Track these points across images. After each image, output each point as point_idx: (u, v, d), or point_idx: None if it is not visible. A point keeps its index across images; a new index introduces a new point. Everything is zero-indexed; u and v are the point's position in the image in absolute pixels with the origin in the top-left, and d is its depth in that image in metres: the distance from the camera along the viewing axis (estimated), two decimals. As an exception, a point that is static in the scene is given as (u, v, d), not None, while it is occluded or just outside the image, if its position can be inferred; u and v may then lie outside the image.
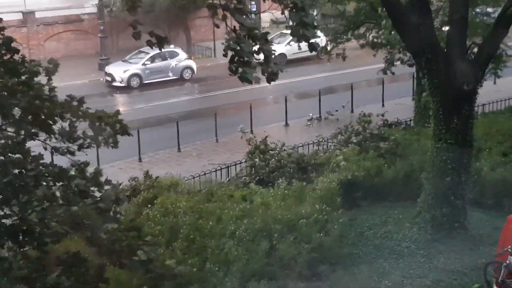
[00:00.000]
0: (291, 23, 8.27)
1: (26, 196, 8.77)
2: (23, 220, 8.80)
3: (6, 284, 9.15)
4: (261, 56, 8.08)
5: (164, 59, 37.11)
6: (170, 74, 36.85)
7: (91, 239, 9.08)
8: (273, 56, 8.00)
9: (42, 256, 9.24)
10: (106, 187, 9.66)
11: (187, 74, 37.39)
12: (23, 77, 9.10)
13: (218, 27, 8.64)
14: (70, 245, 11.10)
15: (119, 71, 36.08)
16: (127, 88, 35.58)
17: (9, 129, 9.25)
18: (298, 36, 8.06)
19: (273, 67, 7.94)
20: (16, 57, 9.27)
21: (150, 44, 8.73)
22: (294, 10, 7.84)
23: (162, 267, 10.75)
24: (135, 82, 35.95)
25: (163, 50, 38.42)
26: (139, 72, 36.14)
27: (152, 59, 36.79)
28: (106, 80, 36.42)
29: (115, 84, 35.85)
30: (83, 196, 9.08)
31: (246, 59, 7.82)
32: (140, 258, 9.30)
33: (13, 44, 9.27)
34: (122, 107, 30.48)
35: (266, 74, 7.96)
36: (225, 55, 8.04)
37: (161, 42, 8.59)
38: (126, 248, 9.24)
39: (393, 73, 24.35)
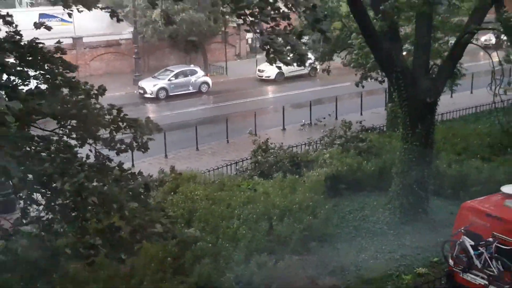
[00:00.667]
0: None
1: (74, 184, 8.79)
2: (72, 202, 8.85)
3: (59, 246, 9.22)
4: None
5: (186, 75, 37.08)
6: (190, 88, 36.83)
7: (121, 216, 9.11)
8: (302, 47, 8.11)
9: (86, 226, 9.27)
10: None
11: (204, 88, 37.33)
12: (80, 97, 9.13)
13: (234, 46, 8.66)
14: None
15: (150, 85, 36.10)
16: (155, 99, 35.57)
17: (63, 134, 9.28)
18: (317, 30, 8.10)
19: (301, 51, 8.04)
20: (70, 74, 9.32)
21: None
22: (308, 12, 7.83)
23: (184, 235, 10.68)
24: (162, 94, 35.91)
25: (185, 69, 38.48)
26: (166, 86, 36.11)
27: (176, 75, 36.77)
28: (139, 93, 36.42)
29: (146, 96, 35.86)
30: (119, 184, 9.10)
31: (278, 48, 7.91)
32: (158, 230, 9.29)
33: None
34: (152, 114, 30.47)
35: (296, 61, 8.04)
36: (262, 48, 8.08)
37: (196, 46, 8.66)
38: (148, 223, 9.24)
39: (363, 86, 24.25)
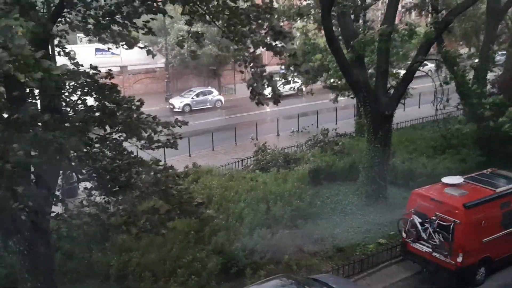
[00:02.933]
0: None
1: (123, 173, 8.83)
2: (123, 187, 8.89)
3: (112, 224, 9.25)
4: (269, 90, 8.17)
5: (204, 95, 37.00)
6: (208, 104, 36.71)
7: (166, 197, 9.16)
8: (277, 89, 8.11)
9: (134, 209, 9.29)
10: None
11: (218, 104, 37.17)
12: (124, 106, 9.18)
13: (242, 72, 8.68)
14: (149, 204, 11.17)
15: (177, 102, 36.00)
16: (182, 112, 35.43)
17: (114, 135, 9.33)
18: (295, 69, 8.25)
19: (276, 94, 8.06)
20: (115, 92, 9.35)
21: (213, 75, 8.97)
22: (290, 56, 7.98)
23: (205, 214, 10.73)
24: (187, 109, 35.79)
25: (204, 89, 38.27)
26: (189, 103, 36.01)
27: (197, 95, 36.68)
28: (170, 108, 36.35)
29: (175, 110, 35.75)
30: (157, 174, 9.20)
31: (260, 90, 7.96)
32: (197, 201, 9.44)
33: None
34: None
35: (273, 99, 8.07)
36: (248, 87, 8.12)
37: (215, 75, 8.86)
38: (184, 203, 9.29)
39: (337, 102, 24.11)
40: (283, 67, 29.22)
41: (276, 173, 16.97)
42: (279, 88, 8.08)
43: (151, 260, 11.82)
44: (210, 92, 37.32)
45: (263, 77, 7.92)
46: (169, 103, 36.66)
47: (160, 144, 9.46)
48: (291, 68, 8.73)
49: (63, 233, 9.29)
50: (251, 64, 7.97)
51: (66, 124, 8.02)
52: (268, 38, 7.92)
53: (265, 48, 8.05)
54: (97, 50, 36.03)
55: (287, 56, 7.99)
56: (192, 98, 36.37)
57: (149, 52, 9.72)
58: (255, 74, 7.95)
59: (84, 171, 8.76)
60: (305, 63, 23.58)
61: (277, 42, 7.97)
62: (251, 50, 8.00)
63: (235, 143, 25.99)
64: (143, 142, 9.34)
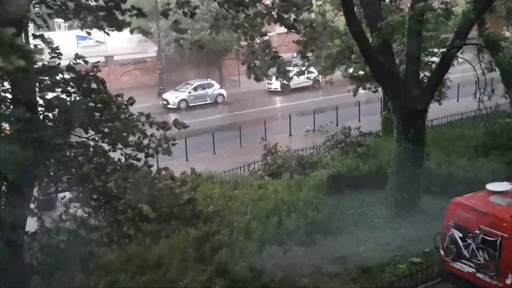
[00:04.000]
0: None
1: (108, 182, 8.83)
2: (106, 195, 8.88)
3: (94, 240, 9.25)
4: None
5: (203, 88, 37.02)
6: (208, 99, 36.76)
7: (158, 201, 9.15)
8: (286, 71, 7.80)
9: (118, 218, 9.30)
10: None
11: (219, 99, 37.22)
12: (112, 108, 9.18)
13: (243, 64, 8.56)
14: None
15: (172, 97, 36.08)
16: (177, 109, 35.51)
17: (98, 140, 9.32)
18: (311, 48, 7.99)
19: (285, 77, 7.80)
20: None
21: (198, 50, 8.64)
22: (308, 29, 7.75)
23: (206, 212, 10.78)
24: (183, 105, 35.85)
25: (203, 82, 38.27)
26: (186, 98, 36.08)
27: (195, 88, 36.73)
28: (163, 104, 36.43)
29: (169, 106, 35.83)
30: (146, 178, 9.20)
31: (257, 63, 7.77)
32: (184, 198, 9.42)
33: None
34: None
35: (282, 84, 7.84)
36: (243, 63, 7.94)
37: (200, 47, 8.50)
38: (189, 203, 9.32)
39: (354, 95, 23.92)
40: (295, 54, 29.25)
41: (289, 180, 16.92)
42: (289, 74, 7.83)
43: (143, 283, 11.79)
44: (210, 85, 37.37)
45: (268, 54, 7.70)
46: (162, 99, 36.76)
47: (150, 151, 9.45)
48: (306, 49, 8.43)
49: (37, 253, 9.30)
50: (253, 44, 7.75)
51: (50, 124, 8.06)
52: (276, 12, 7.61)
53: (272, 22, 7.77)
54: (79, 37, 36.16)
55: (303, 29, 7.75)
56: (189, 92, 36.44)
57: (144, 33, 9.67)
58: (252, 47, 7.72)
59: (63, 179, 8.75)
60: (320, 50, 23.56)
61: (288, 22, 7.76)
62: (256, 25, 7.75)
63: (240, 145, 25.97)
64: (130, 149, 9.33)
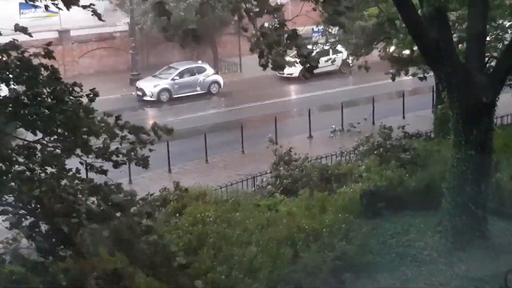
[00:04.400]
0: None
1: (64, 208, 8.83)
2: (59, 231, 8.86)
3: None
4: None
5: (192, 74, 37.21)
6: (198, 88, 36.95)
7: (131, 253, 9.09)
8: (310, 52, 7.77)
9: (82, 269, 9.33)
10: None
11: (214, 89, 37.46)
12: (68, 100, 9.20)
13: (246, 31, 8.55)
14: (107, 259, 11.12)
15: (150, 86, 36.29)
16: (157, 102, 35.77)
17: (49, 144, 9.34)
18: (335, 24, 7.98)
19: (310, 60, 7.76)
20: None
21: (182, 44, 8.65)
22: (328, 1, 7.76)
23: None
24: (164, 97, 36.09)
25: (191, 66, 38.20)
26: (169, 87, 36.29)
27: (181, 74, 36.92)
28: (137, 95, 36.61)
29: (145, 98, 36.03)
30: (120, 210, 9.11)
31: (272, 48, 7.72)
32: (180, 262, 9.29)
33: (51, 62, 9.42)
34: (153, 120, 30.53)
35: (302, 69, 7.84)
36: (251, 50, 7.93)
37: (197, 37, 8.50)
38: (163, 258, 9.26)
39: (393, 79, 24.22)
40: (315, 27, 29.07)
41: (309, 198, 16.93)
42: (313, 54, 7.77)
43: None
44: (201, 70, 37.49)
45: (281, 32, 7.69)
46: (136, 88, 36.91)
47: (120, 159, 9.48)
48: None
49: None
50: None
51: None
52: None
53: None
54: (22, 5, 36.43)
55: (320, 2, 7.76)
56: (173, 79, 36.64)
57: (95, 13, 9.73)
58: (262, 27, 7.72)
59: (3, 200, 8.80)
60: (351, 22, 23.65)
61: None
62: None
63: (242, 150, 26.08)
64: (91, 156, 9.37)
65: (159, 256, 9.22)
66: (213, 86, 37.48)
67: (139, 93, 36.47)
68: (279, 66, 7.69)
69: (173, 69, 37.41)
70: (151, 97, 35.90)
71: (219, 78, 38.06)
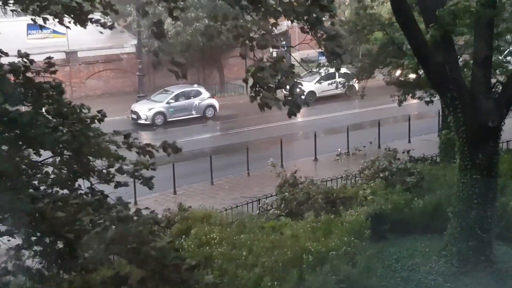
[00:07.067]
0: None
1: (67, 218, 8.86)
2: (67, 245, 8.90)
3: None
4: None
5: (188, 97, 37.03)
6: (193, 112, 36.77)
7: (137, 258, 9.08)
8: (298, 90, 7.76)
9: (86, 280, 9.32)
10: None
11: (209, 112, 37.20)
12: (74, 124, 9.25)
13: (244, 58, 8.57)
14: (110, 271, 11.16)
15: (144, 109, 35.91)
16: (151, 126, 35.54)
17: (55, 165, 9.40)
18: (331, 64, 8.00)
19: (297, 99, 7.73)
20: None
21: (176, 75, 8.51)
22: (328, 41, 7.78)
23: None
24: (159, 120, 35.74)
25: (186, 89, 37.76)
26: (163, 110, 36.02)
27: (176, 97, 36.68)
28: (132, 118, 36.26)
29: (140, 121, 35.65)
30: (124, 222, 9.14)
31: (265, 85, 7.68)
32: (190, 264, 9.27)
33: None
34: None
35: (288, 106, 7.74)
36: (245, 81, 7.91)
37: (183, 70, 8.36)
38: (172, 261, 9.25)
39: (400, 105, 24.66)
40: (321, 50, 29.20)
41: (314, 221, 16.91)
42: (301, 90, 7.68)
43: None
44: (197, 94, 37.22)
45: (279, 67, 7.67)
46: (131, 111, 36.52)
47: (123, 182, 9.51)
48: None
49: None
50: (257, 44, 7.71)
51: None
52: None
53: (291, 20, 7.80)
54: (30, 27, 36.64)
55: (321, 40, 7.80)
56: (168, 102, 36.33)
57: (105, 26, 9.76)
58: (260, 61, 7.68)
59: (7, 217, 8.84)
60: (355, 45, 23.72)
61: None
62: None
63: (247, 173, 26.07)
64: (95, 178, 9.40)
65: (168, 260, 9.21)
66: (209, 110, 37.26)
67: (134, 116, 36.12)
68: (266, 105, 7.66)
69: (169, 92, 37.31)
70: (145, 120, 35.59)
71: (214, 101, 37.89)
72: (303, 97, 7.78)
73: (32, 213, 8.75)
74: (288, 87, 7.68)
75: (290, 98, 7.69)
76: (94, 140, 9.27)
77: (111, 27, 9.98)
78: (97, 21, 9.80)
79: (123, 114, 36.98)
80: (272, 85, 7.61)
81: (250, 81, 7.73)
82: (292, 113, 7.71)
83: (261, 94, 7.64)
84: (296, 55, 12.33)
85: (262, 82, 7.60)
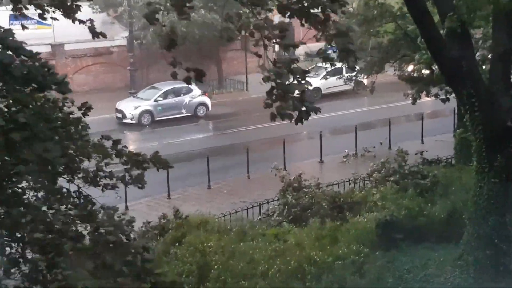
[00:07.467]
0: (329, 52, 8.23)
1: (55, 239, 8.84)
2: (51, 264, 8.87)
3: None
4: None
5: (178, 95, 36.59)
6: (183, 110, 36.47)
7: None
8: (309, 95, 7.81)
9: None
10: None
11: (201, 111, 36.74)
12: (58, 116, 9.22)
13: (259, 56, 8.57)
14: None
15: (130, 107, 35.52)
16: (137, 126, 35.13)
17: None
18: (343, 62, 7.99)
19: (308, 105, 7.73)
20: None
21: (187, 80, 8.53)
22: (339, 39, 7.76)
23: None
24: (146, 119, 35.15)
25: (176, 86, 37.35)
26: (151, 109, 35.47)
27: (165, 95, 36.18)
28: (117, 117, 35.76)
29: (125, 121, 35.05)
30: (113, 245, 9.08)
31: (285, 93, 7.65)
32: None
33: None
34: (133, 145, 29.74)
35: (297, 113, 7.73)
36: (264, 80, 7.88)
37: (199, 75, 8.39)
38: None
39: (414, 103, 24.70)
40: (328, 46, 29.10)
41: (319, 228, 16.94)
42: (312, 96, 7.73)
43: None
44: (187, 91, 36.72)
45: (293, 69, 7.66)
46: (116, 109, 35.98)
47: (111, 183, 9.48)
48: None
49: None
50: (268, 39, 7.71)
51: None
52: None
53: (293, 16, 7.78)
54: (13, 17, 36.59)
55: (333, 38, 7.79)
56: (156, 100, 36.00)
57: (93, 31, 9.79)
58: (280, 60, 7.71)
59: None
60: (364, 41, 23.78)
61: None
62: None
63: (247, 175, 26.07)
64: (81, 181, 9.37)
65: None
66: (200, 108, 36.76)
67: (119, 115, 35.42)
68: (281, 116, 7.70)
69: (157, 89, 36.93)
70: (131, 119, 34.99)
71: (206, 99, 37.44)
72: (314, 104, 7.79)
73: (15, 225, 8.72)
74: (298, 92, 7.66)
75: (300, 104, 7.67)
76: (79, 135, 9.25)
77: (96, 35, 9.95)
78: (83, 22, 9.78)
79: (112, 112, 36.83)
80: (291, 93, 7.58)
81: (252, 80, 7.73)
82: (299, 121, 7.70)
83: (277, 102, 7.62)
84: (299, 49, 12.32)
85: (282, 88, 7.57)
